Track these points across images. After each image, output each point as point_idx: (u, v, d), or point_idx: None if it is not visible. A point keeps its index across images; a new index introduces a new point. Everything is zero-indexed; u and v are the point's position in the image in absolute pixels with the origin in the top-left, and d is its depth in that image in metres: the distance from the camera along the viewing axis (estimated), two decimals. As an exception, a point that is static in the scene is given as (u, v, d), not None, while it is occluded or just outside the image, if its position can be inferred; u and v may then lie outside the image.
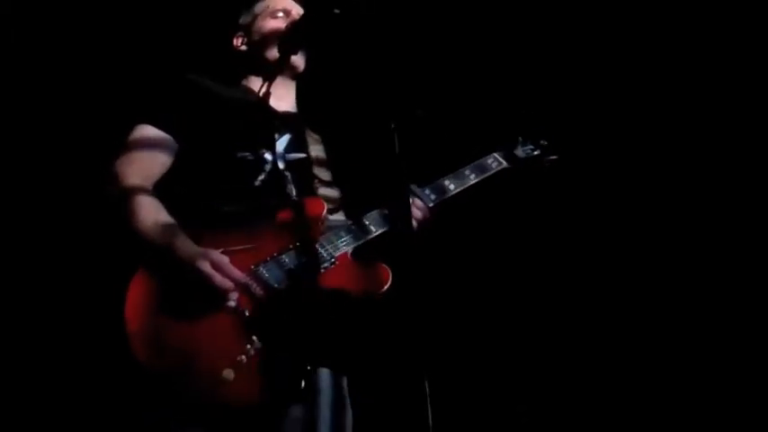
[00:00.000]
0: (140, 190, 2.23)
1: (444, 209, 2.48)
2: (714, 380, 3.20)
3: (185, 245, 2.12)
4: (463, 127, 3.18)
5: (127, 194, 2.21)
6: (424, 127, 2.66)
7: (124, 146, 2.32)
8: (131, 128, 2.35)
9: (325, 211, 2.31)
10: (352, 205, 2.48)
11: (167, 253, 2.12)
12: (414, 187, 2.42)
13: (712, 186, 3.30)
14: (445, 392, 2.17)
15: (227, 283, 2.07)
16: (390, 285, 2.22)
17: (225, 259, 2.10)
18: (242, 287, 2.10)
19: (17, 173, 3.10)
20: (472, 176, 2.52)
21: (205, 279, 2.07)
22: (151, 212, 2.19)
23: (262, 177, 2.35)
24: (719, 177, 3.30)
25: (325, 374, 2.26)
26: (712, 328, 3.25)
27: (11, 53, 3.08)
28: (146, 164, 2.30)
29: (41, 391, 3.01)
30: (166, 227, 2.17)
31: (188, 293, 2.09)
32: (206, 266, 2.07)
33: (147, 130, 2.34)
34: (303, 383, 2.05)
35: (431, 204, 2.43)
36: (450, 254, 3.12)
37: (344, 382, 2.32)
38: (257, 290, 2.12)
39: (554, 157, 2.68)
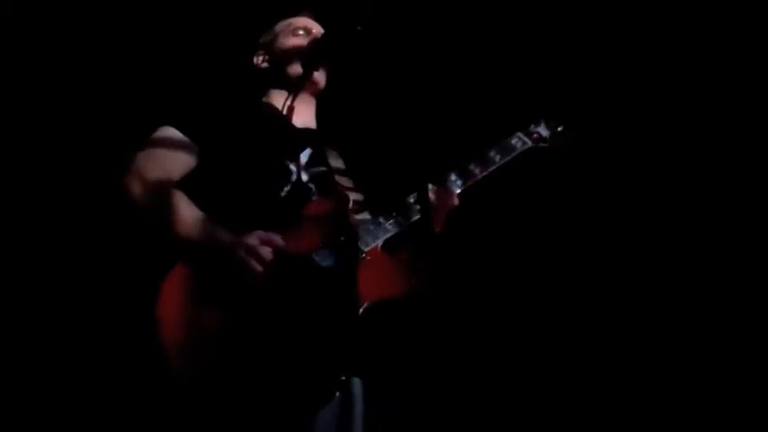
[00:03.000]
0: (168, 184, 2.20)
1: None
2: (714, 380, 3.15)
3: (228, 233, 2.12)
4: (483, 110, 3.12)
5: (153, 189, 2.19)
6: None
7: (146, 142, 2.31)
8: (155, 128, 2.34)
9: (351, 202, 2.29)
10: (376, 205, 2.44)
11: (210, 244, 2.11)
12: (440, 174, 2.37)
13: (714, 186, 3.26)
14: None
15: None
16: (421, 280, 2.17)
17: (271, 234, 2.10)
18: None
19: (27, 172, 3.14)
20: (497, 158, 2.45)
21: (257, 253, 2.06)
22: (186, 206, 2.18)
23: (287, 188, 2.34)
24: (721, 177, 3.26)
25: (357, 385, 2.21)
26: (713, 328, 3.20)
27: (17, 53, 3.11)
28: (167, 162, 2.27)
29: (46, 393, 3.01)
30: (205, 220, 2.16)
31: (232, 290, 2.06)
32: (255, 241, 2.07)
33: (171, 132, 2.33)
34: (337, 394, 2.04)
35: (458, 191, 2.38)
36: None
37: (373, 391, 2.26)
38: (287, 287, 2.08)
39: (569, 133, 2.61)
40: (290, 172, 2.36)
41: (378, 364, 2.29)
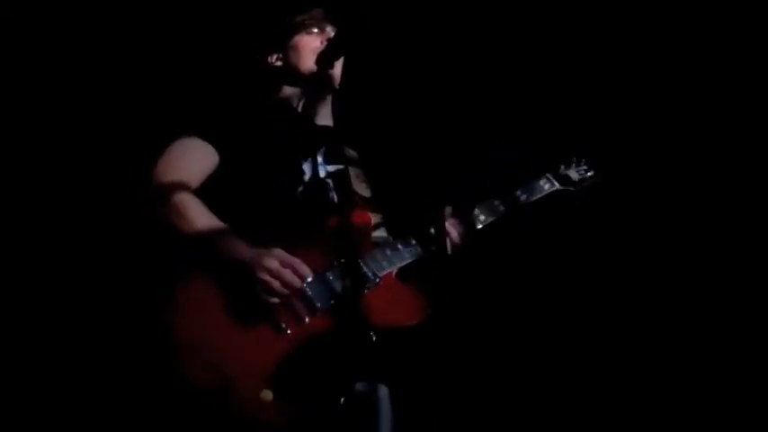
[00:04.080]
0: (183, 191, 2.19)
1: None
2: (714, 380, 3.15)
3: (247, 247, 2.09)
4: (515, 145, 3.10)
5: (169, 196, 2.18)
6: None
7: (163, 152, 2.30)
8: (173, 136, 2.33)
9: (372, 222, 2.29)
10: (394, 223, 2.44)
11: (226, 256, 2.08)
12: (463, 207, 2.37)
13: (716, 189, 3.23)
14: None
15: (296, 281, 2.05)
16: (431, 312, 2.16)
17: (292, 257, 2.07)
18: (290, 302, 2.06)
19: (27, 173, 3.08)
20: (523, 197, 2.46)
21: (276, 275, 2.03)
22: (202, 215, 2.16)
23: (302, 187, 2.34)
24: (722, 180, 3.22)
25: (383, 391, 2.24)
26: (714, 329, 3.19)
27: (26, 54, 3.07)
28: (186, 169, 2.27)
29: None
30: (222, 230, 2.14)
31: (241, 299, 2.05)
32: (274, 264, 2.04)
33: (188, 139, 2.32)
34: (342, 400, 2.02)
35: (480, 225, 2.38)
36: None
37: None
38: (301, 309, 2.08)
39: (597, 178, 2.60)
40: (304, 170, 2.36)
41: (401, 370, 2.30)
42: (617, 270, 3.26)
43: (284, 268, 2.05)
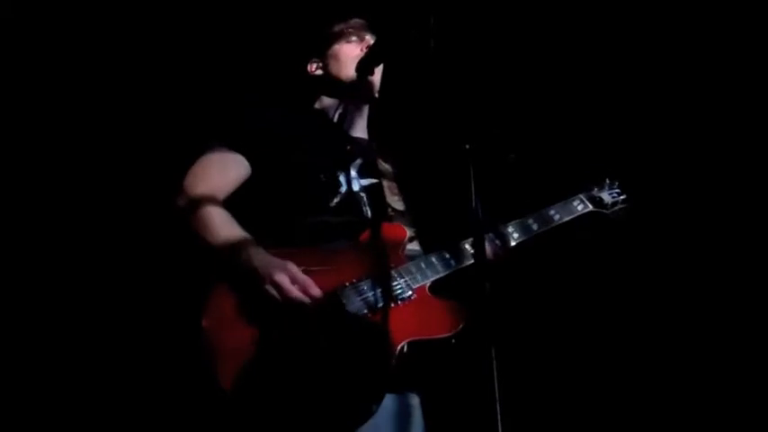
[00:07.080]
0: (210, 201, 2.22)
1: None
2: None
3: (262, 256, 2.10)
4: (548, 164, 3.10)
5: (196, 206, 2.21)
6: (514, 170, 2.64)
7: (195, 162, 2.33)
8: (205, 148, 2.36)
9: (407, 237, 2.29)
10: (427, 237, 2.44)
11: (243, 265, 2.09)
12: (497, 224, 2.37)
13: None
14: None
15: (305, 299, 2.04)
16: (465, 325, 2.15)
17: (304, 276, 2.07)
18: (316, 308, 2.05)
19: (27, 173, 3.08)
20: (557, 217, 2.46)
21: (283, 292, 2.04)
22: (224, 225, 2.18)
23: (337, 199, 2.35)
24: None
25: (414, 399, 2.26)
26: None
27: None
28: (215, 179, 2.29)
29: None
30: (241, 239, 2.15)
31: (255, 307, 2.06)
32: (284, 280, 2.05)
33: (219, 149, 2.34)
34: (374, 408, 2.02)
35: (513, 243, 2.38)
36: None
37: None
38: (314, 323, 2.07)
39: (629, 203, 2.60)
40: (340, 183, 2.37)
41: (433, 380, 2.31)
42: (649, 289, 3.26)
43: (292, 285, 2.05)
